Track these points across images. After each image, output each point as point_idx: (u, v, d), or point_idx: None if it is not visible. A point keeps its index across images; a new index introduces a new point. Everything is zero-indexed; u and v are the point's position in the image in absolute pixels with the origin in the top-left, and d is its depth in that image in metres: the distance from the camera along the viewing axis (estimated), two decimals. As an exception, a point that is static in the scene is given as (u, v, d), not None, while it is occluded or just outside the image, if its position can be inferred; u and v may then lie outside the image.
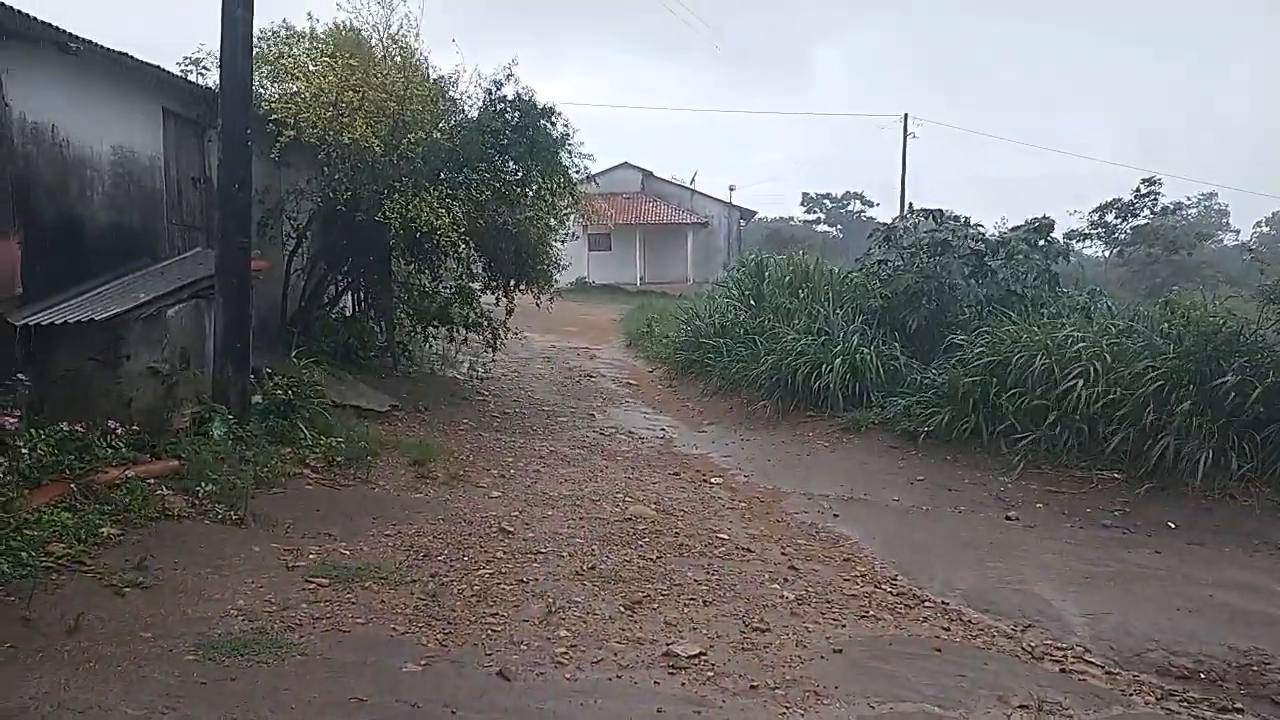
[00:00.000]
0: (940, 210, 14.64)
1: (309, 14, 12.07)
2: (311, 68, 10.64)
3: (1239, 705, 5.30)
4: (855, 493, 9.77)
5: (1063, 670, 5.55)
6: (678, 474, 10.09)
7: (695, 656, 5.11)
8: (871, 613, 6.24)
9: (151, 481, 6.68)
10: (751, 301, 16.19)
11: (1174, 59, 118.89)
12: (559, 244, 13.77)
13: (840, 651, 5.42)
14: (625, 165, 43.49)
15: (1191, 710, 5.21)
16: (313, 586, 5.68)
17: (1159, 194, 38.38)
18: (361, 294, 13.31)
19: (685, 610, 5.88)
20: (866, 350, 12.63)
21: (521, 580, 6.17)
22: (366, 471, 8.53)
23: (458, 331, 13.19)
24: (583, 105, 58.63)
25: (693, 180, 45.30)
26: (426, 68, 11.93)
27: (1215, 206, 55.85)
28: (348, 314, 13.26)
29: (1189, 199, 48.80)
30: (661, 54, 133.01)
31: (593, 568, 6.53)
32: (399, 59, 11.56)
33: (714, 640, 5.40)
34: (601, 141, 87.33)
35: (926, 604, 6.56)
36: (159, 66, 9.18)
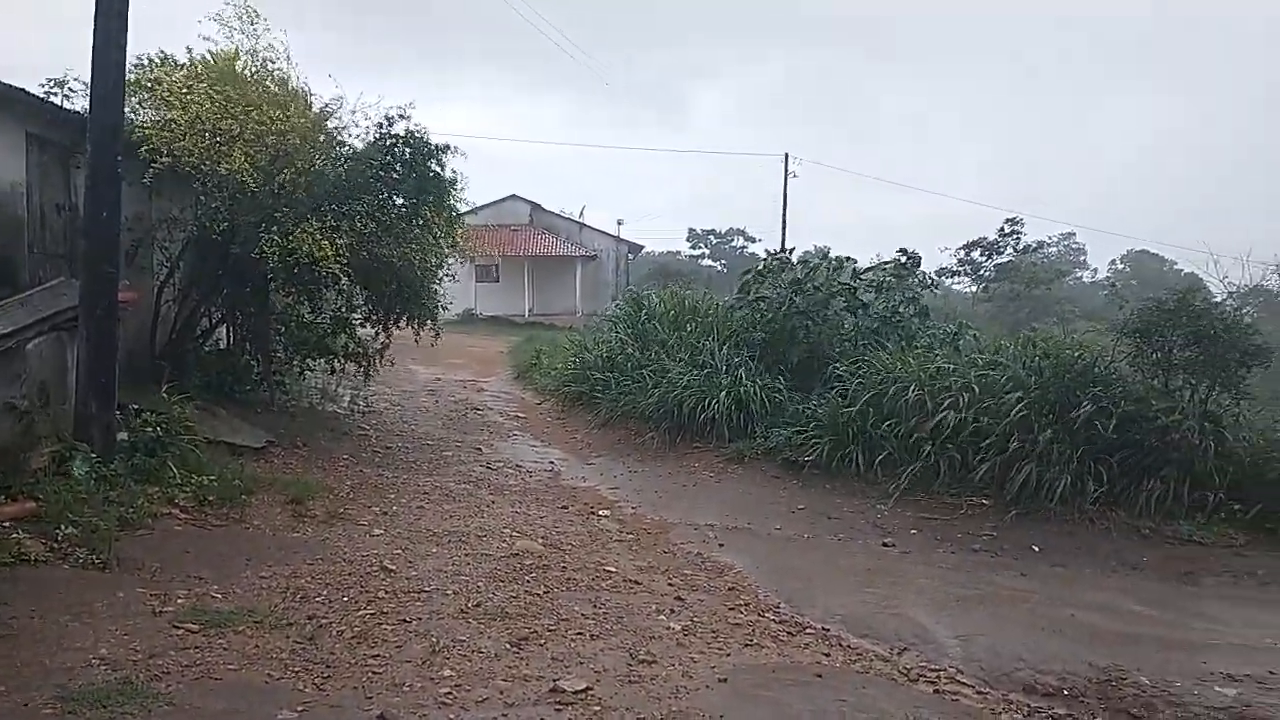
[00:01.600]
0: (791, 249, 15.28)
1: (196, 46, 11.66)
2: (188, 95, 10.31)
3: (1099, 720, 5.60)
4: (740, 522, 9.93)
5: (937, 691, 5.75)
6: (566, 507, 10.07)
7: (582, 691, 5.09)
8: (755, 641, 6.33)
9: (6, 524, 6.29)
10: (638, 335, 16.35)
11: (1036, 107, 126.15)
12: (445, 279, 13.67)
13: (725, 681, 5.49)
14: (514, 197, 43.55)
15: (1055, 726, 5.47)
16: (181, 632, 5.43)
17: (1021, 233, 40.60)
18: (237, 326, 12.88)
19: (572, 645, 5.86)
20: (750, 383, 12.91)
21: (404, 620, 6.04)
22: (240, 511, 8.22)
23: (338, 362, 12.90)
24: (471, 137, 58.51)
25: (581, 214, 45.77)
26: (309, 96, 11.73)
27: (1074, 245, 59.37)
28: (222, 346, 12.81)
29: (1050, 238, 51.72)
30: (550, 90, 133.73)
31: (478, 605, 6.44)
32: (278, 89, 11.31)
33: (601, 674, 5.39)
34: (490, 173, 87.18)
35: (808, 631, 6.71)
36: (23, 89, 8.78)
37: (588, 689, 5.13)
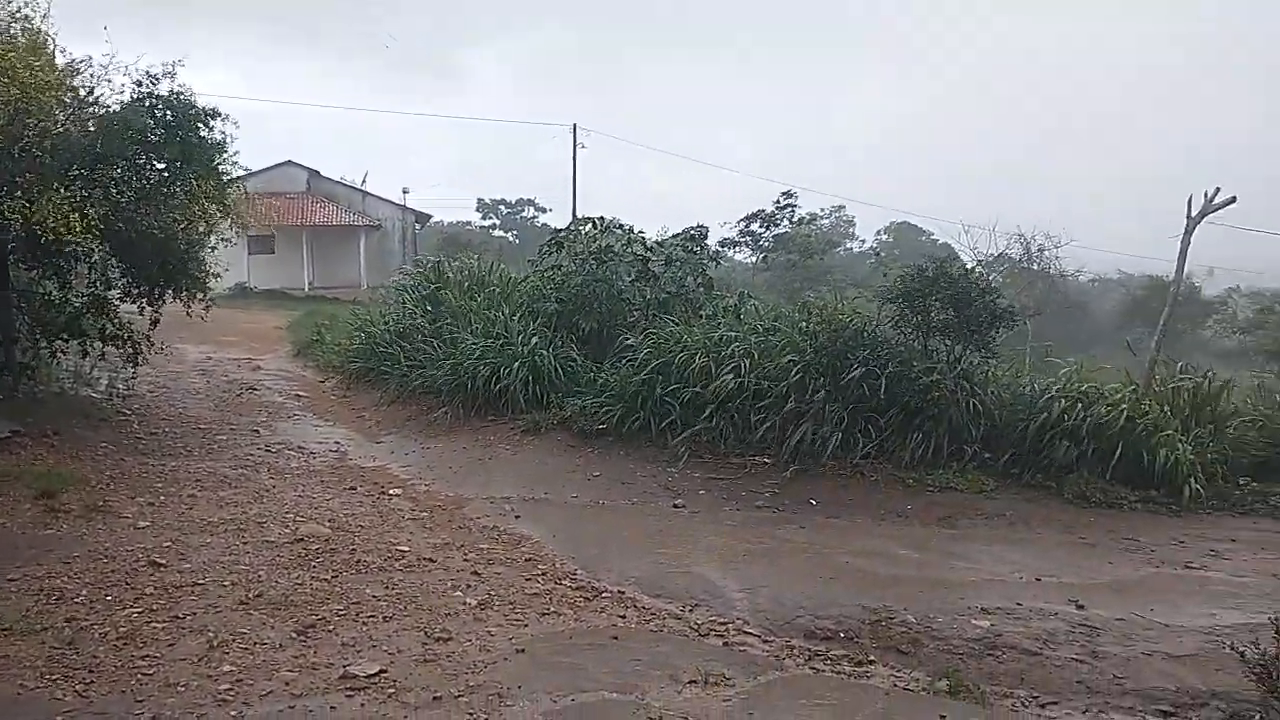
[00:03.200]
0: (602, 217, 15.38)
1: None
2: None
3: (872, 658, 6.03)
4: (537, 493, 9.95)
5: (726, 644, 6.01)
6: (354, 488, 9.71)
7: (375, 675, 4.96)
8: (553, 609, 6.39)
9: None
10: (429, 306, 15.94)
11: (810, 86, 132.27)
12: (213, 249, 12.75)
13: (523, 651, 5.51)
14: (289, 163, 41.20)
15: (834, 667, 5.85)
16: (-85, 646, 4.85)
17: (796, 206, 42.57)
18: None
19: (364, 629, 5.68)
20: (545, 353, 12.90)
21: (176, 616, 5.64)
22: (-19, 509, 7.39)
23: (93, 345, 11.78)
24: (239, 99, 54.54)
25: (364, 181, 43.85)
26: (54, 51, 10.54)
27: (844, 217, 62.87)
28: (-47, 330, 11.40)
29: (822, 210, 54.41)
30: (324, 53, 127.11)
31: (259, 595, 6.12)
32: (23, 40, 10.09)
33: (395, 656, 5.27)
34: (261, 138, 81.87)
35: (604, 595, 6.83)
36: None
37: (381, 672, 5.01)
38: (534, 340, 13.20)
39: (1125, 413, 10.49)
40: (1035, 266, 30.49)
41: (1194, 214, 13.18)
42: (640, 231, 15.70)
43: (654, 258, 14.82)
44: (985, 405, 10.94)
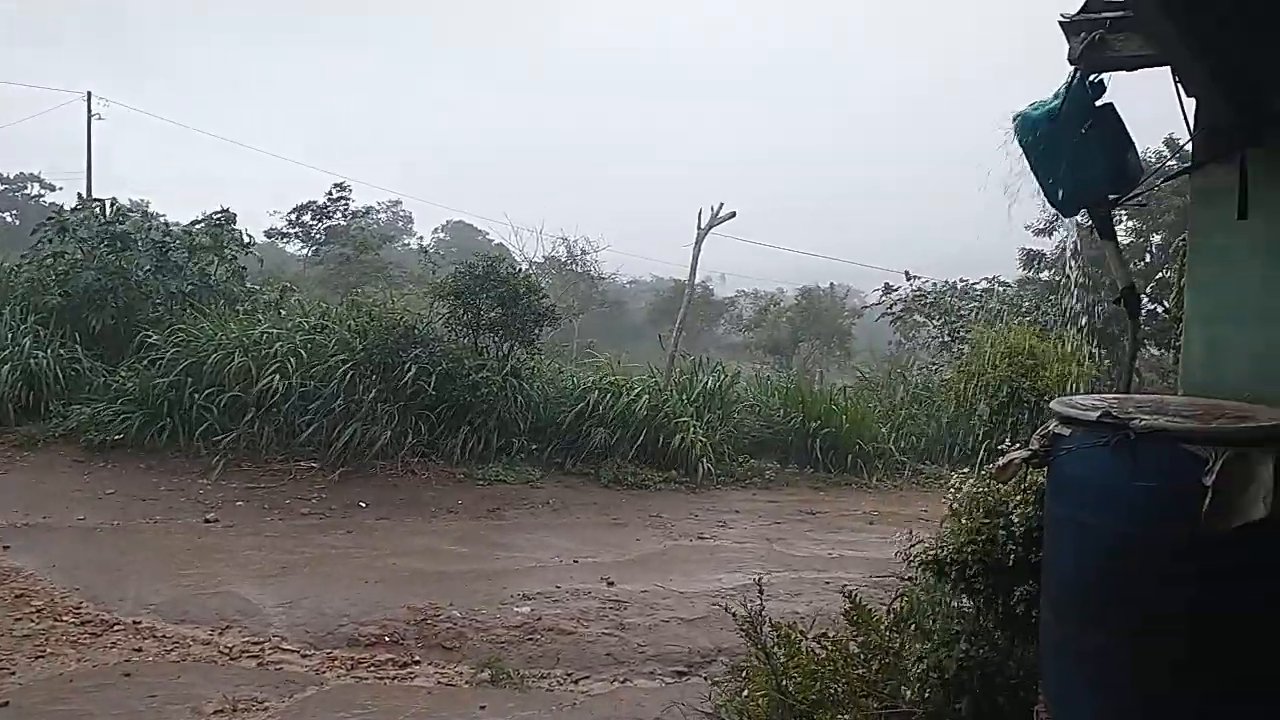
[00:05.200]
0: (114, 199, 13.73)
1: None
2: None
3: (417, 658, 5.99)
4: (32, 517, 8.54)
5: (260, 664, 5.62)
6: None
7: None
8: (50, 651, 5.52)
9: None
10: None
11: (369, 77, 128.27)
12: None
13: (6, 704, 4.69)
14: None
15: (378, 673, 5.72)
16: None
17: (349, 198, 41.33)
18: None
19: None
20: (42, 354, 11.15)
21: None
22: None
23: None
24: None
25: None
26: None
27: (401, 213, 62.32)
28: None
29: (378, 204, 53.44)
30: None
31: None
32: None
33: None
34: None
35: (116, 628, 6.04)
36: None
37: None
38: (27, 340, 11.36)
39: (649, 401, 11.60)
40: (579, 268, 32.69)
41: (703, 225, 14.91)
42: (161, 215, 14.19)
43: (175, 244, 13.44)
44: (532, 399, 11.50)
